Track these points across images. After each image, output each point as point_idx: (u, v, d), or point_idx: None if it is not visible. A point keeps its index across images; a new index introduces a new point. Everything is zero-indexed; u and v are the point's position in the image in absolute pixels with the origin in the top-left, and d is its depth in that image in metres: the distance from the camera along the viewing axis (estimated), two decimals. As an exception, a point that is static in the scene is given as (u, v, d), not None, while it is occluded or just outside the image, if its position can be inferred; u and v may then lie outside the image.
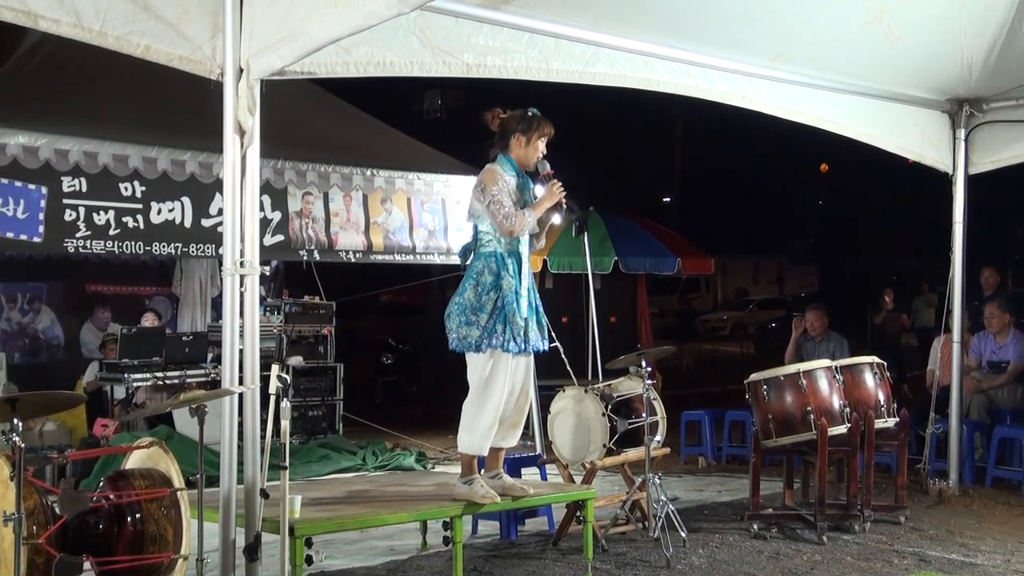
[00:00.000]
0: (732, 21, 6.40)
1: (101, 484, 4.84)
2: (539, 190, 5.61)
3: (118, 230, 7.58)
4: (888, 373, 7.15)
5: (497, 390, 5.32)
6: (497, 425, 5.37)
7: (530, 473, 7.19)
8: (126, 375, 8.97)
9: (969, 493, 8.08)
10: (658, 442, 6.59)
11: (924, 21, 6.85)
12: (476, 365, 5.34)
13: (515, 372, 5.40)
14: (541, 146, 5.50)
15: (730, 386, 12.12)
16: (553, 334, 5.69)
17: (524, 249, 5.46)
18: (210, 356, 9.42)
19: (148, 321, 10.18)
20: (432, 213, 9.32)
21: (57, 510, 4.46)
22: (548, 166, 5.54)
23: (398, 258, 9.15)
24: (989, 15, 6.92)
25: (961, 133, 8.33)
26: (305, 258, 8.76)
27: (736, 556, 6.24)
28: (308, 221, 8.58)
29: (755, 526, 6.78)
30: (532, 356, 5.50)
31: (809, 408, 6.64)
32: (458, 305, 5.31)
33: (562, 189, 5.48)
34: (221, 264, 4.73)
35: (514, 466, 6.97)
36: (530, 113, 5.47)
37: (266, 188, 8.13)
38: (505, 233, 5.30)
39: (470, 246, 5.48)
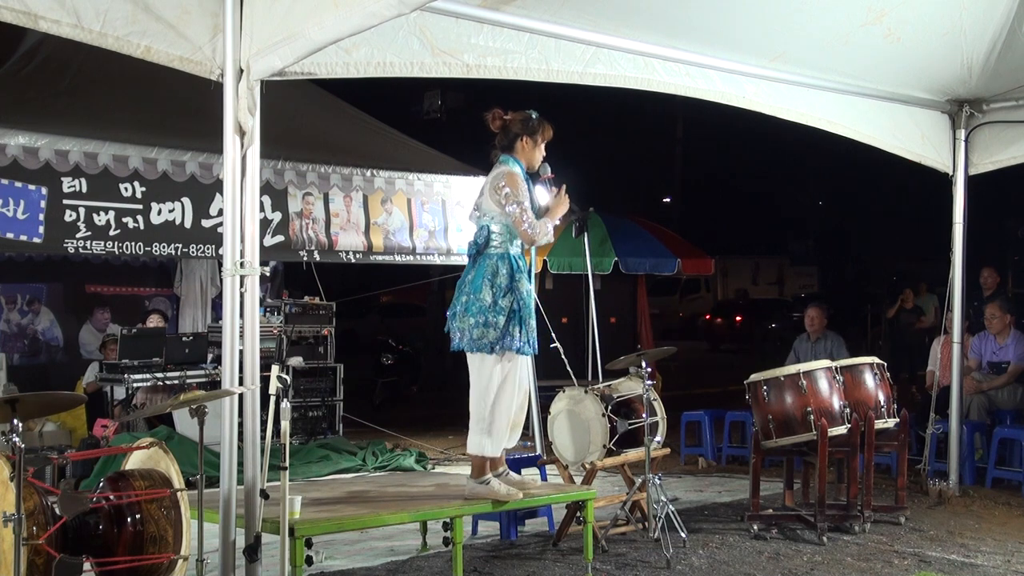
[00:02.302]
0: (732, 21, 6.41)
1: (101, 485, 4.84)
2: (539, 191, 5.66)
3: (118, 231, 7.58)
4: (888, 374, 7.15)
5: (510, 391, 5.40)
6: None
7: (530, 474, 7.17)
8: (126, 376, 8.96)
9: (969, 494, 8.08)
10: (658, 443, 6.59)
11: (924, 22, 6.85)
12: (485, 366, 5.37)
13: (522, 372, 5.47)
14: (543, 148, 5.60)
15: (730, 387, 12.12)
16: (553, 335, 5.74)
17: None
18: (210, 357, 9.42)
19: (154, 322, 10.18)
20: (432, 214, 9.32)
21: (57, 511, 4.46)
22: (549, 169, 5.65)
23: (398, 259, 9.15)
24: (989, 16, 6.92)
25: (961, 134, 8.33)
26: (305, 259, 8.76)
27: (736, 557, 6.25)
28: (308, 222, 8.58)
29: (755, 527, 6.78)
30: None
31: (809, 409, 6.64)
32: (471, 305, 5.33)
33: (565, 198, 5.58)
34: (221, 265, 4.73)
35: (514, 467, 6.94)
36: (533, 116, 5.55)
37: (266, 189, 8.13)
38: (526, 242, 5.39)
39: (481, 246, 5.47)
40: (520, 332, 5.32)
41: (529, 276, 5.49)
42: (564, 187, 5.59)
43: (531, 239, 5.38)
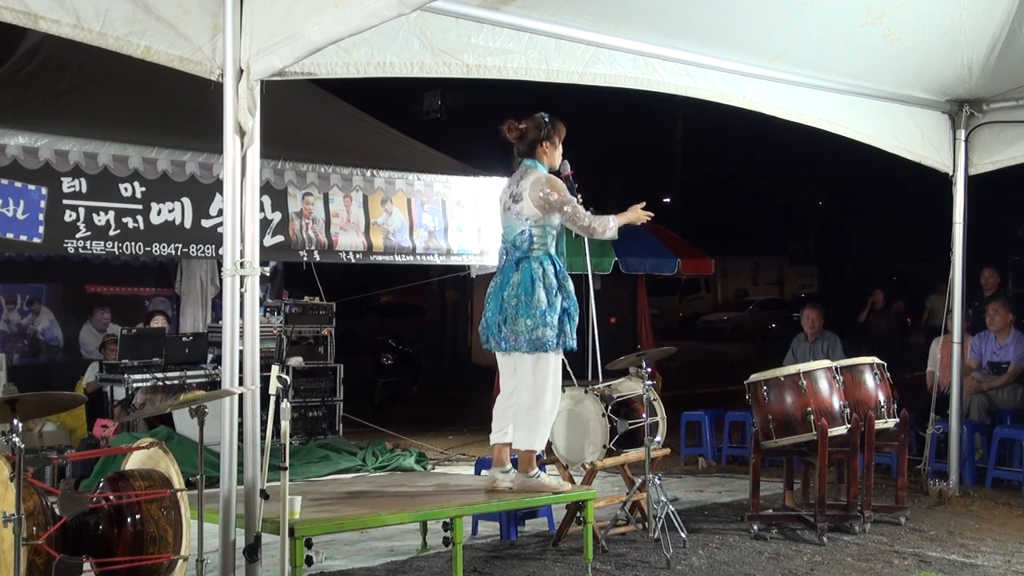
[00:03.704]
0: (732, 21, 6.41)
1: (101, 485, 4.84)
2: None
3: (118, 231, 7.58)
4: (888, 374, 7.15)
5: (559, 386, 5.65)
6: None
7: (530, 474, 7.18)
8: (126, 376, 8.96)
9: (969, 494, 8.08)
10: (658, 443, 6.59)
11: (924, 22, 6.85)
12: (541, 364, 5.54)
13: None
14: (561, 147, 5.79)
15: (730, 387, 12.12)
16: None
17: None
18: (210, 357, 9.42)
19: (158, 323, 10.18)
20: (432, 214, 9.32)
21: (57, 511, 4.46)
22: (569, 167, 5.83)
23: (398, 259, 9.15)
24: (989, 16, 6.92)
25: (961, 134, 8.32)
26: (305, 259, 8.76)
27: (736, 557, 6.25)
28: (308, 222, 8.57)
29: (755, 527, 6.78)
30: None
31: (809, 409, 6.64)
32: (524, 307, 5.48)
33: (647, 214, 5.84)
34: (221, 265, 4.73)
35: (514, 466, 6.97)
36: (546, 119, 5.72)
37: (266, 189, 8.13)
38: (586, 234, 5.64)
39: (526, 250, 5.60)
40: (570, 328, 5.54)
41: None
42: (643, 204, 5.78)
43: (592, 231, 5.60)
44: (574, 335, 5.58)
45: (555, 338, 5.49)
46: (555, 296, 5.51)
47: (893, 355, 9.39)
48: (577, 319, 5.61)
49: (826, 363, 6.94)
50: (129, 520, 4.64)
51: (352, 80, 5.38)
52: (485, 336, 5.70)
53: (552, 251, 5.61)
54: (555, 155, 5.75)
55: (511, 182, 5.76)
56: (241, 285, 4.61)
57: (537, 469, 5.66)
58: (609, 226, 5.61)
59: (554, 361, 5.57)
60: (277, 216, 8.39)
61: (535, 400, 5.57)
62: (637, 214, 5.80)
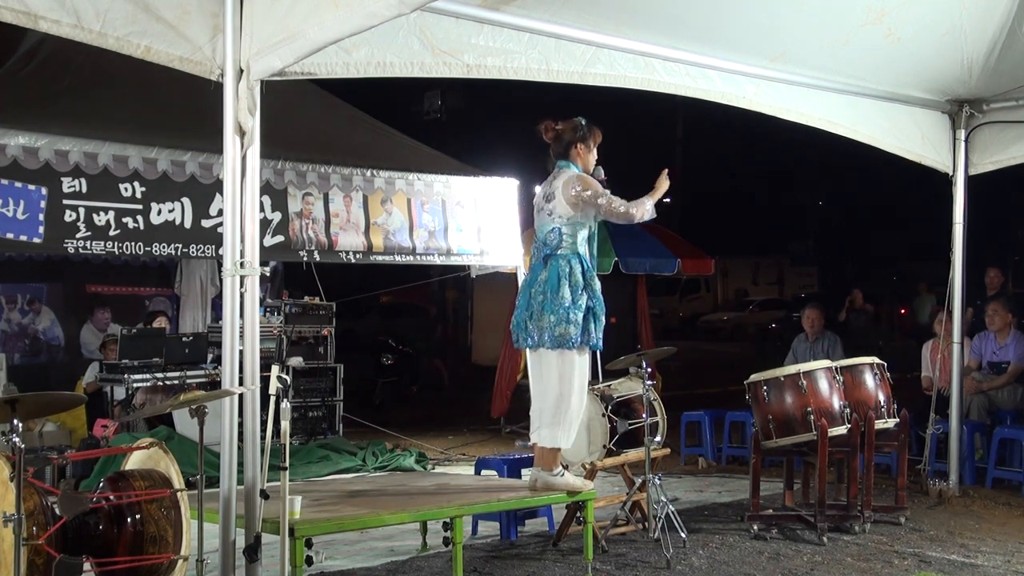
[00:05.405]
0: (732, 21, 6.41)
1: (101, 485, 4.85)
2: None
3: (118, 231, 7.57)
4: (888, 374, 7.15)
5: (585, 384, 5.68)
6: None
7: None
8: (126, 376, 8.96)
9: (969, 494, 8.08)
10: (658, 443, 6.59)
11: (924, 22, 6.85)
12: (566, 361, 5.58)
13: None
14: (596, 152, 5.86)
15: (730, 387, 12.12)
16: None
17: None
18: (210, 357, 9.42)
19: (161, 323, 10.19)
20: (432, 214, 9.31)
21: (57, 511, 4.46)
22: (603, 172, 5.86)
23: (398, 259, 9.14)
24: (989, 16, 6.92)
25: (961, 134, 8.32)
26: (305, 259, 8.75)
27: (736, 557, 6.25)
28: (308, 222, 8.57)
29: (755, 527, 6.78)
30: None
31: (809, 409, 6.64)
32: (549, 304, 5.53)
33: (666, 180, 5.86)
34: (221, 265, 4.73)
35: (514, 467, 6.98)
36: (583, 122, 5.82)
37: (266, 189, 8.13)
38: (626, 221, 5.64)
39: (554, 247, 5.65)
40: (595, 328, 5.57)
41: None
42: (666, 170, 5.84)
43: (631, 217, 5.61)
44: (600, 335, 5.61)
45: (579, 336, 5.52)
46: (580, 294, 5.55)
47: (873, 353, 9.43)
48: (604, 319, 5.64)
49: (826, 363, 6.94)
50: (129, 520, 4.64)
51: (352, 80, 5.38)
52: (516, 335, 5.74)
53: (581, 250, 5.65)
54: (589, 158, 5.82)
55: (545, 183, 5.84)
56: (241, 285, 4.61)
57: (561, 467, 5.69)
58: (647, 208, 5.65)
59: (579, 359, 5.61)
60: (277, 216, 8.39)
61: (559, 397, 5.60)
62: (664, 183, 5.81)
